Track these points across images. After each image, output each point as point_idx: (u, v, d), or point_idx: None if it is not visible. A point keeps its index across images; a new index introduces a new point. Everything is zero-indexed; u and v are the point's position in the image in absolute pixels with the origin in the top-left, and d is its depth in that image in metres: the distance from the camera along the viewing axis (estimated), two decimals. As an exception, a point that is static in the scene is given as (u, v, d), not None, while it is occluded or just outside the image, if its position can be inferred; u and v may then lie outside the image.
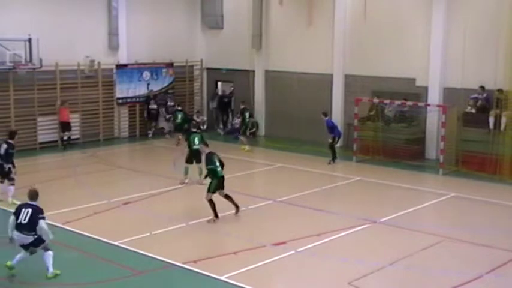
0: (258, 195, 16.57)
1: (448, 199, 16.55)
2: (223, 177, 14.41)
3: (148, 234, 13.30)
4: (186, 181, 17.53)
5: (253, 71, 26.10)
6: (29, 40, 21.30)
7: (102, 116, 24.50)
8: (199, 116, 25.59)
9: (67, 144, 22.70)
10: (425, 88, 21.16)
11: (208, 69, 28.00)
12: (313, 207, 15.48)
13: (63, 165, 20.84)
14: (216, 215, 14.13)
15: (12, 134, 15.93)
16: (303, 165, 20.30)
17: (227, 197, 14.48)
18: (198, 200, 15.64)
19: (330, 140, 20.62)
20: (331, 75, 23.66)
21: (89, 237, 13.11)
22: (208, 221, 14.12)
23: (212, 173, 14.31)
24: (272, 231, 13.66)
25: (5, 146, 15.42)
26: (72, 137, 23.49)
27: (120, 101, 24.97)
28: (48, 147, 22.68)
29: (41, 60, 21.64)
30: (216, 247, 12.77)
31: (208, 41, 27.71)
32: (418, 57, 21.37)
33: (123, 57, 25.06)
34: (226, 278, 10.93)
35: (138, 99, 25.55)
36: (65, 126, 22.72)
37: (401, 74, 21.73)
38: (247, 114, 23.63)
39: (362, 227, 14.00)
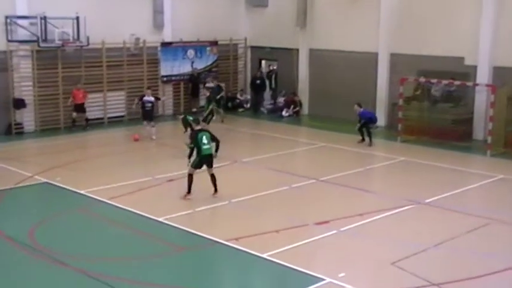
0: (301, 174, 16.51)
1: (495, 181, 16.18)
2: (211, 155, 14.26)
3: (191, 211, 13.46)
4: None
5: (297, 50, 25.91)
6: (77, 18, 21.63)
7: (146, 94, 24.67)
8: (242, 95, 25.59)
9: (86, 126, 22.45)
10: (474, 67, 20.61)
11: (252, 47, 27.93)
12: (357, 187, 15.37)
13: (108, 142, 21.16)
14: (189, 191, 14.10)
15: None
16: (346, 144, 20.12)
17: (212, 177, 14.21)
18: (240, 178, 15.74)
19: (371, 127, 20.32)
20: (377, 54, 23.27)
21: (133, 212, 13.33)
22: (184, 198, 14.09)
23: (197, 151, 14.11)
24: (315, 210, 13.63)
25: None
26: (119, 115, 23.84)
27: (164, 78, 25.18)
28: (95, 123, 23.05)
29: (88, 38, 21.99)
30: (258, 225, 12.79)
31: (253, 19, 27.56)
32: (467, 34, 20.79)
33: (167, 36, 25.17)
34: (268, 255, 10.96)
35: (182, 77, 25.73)
36: (79, 108, 22.39)
37: (448, 52, 21.19)
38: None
39: (406, 207, 13.84)
